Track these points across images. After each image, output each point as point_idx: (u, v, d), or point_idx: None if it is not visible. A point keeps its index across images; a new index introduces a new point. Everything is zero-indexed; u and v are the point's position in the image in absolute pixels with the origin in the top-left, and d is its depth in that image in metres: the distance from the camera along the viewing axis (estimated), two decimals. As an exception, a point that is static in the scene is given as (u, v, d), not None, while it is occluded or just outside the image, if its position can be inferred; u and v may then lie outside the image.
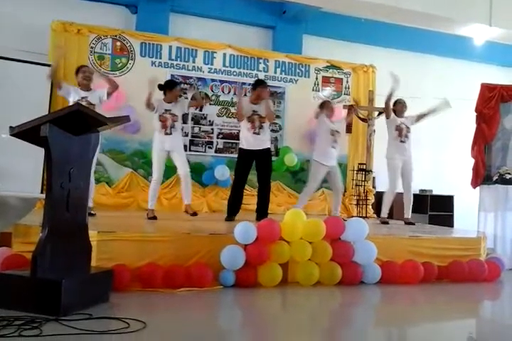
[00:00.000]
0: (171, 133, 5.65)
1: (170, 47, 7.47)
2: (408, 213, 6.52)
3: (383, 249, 4.58)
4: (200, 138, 7.57)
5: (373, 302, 4.22)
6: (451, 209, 8.32)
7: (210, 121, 7.63)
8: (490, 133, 6.60)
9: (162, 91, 5.73)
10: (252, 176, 5.98)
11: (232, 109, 7.65)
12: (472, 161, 6.67)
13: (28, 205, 6.07)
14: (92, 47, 7.05)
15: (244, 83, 7.77)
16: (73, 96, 5.41)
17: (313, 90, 8.22)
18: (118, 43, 7.21)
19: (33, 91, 6.33)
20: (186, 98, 7.29)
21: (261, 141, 5.69)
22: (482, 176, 6.55)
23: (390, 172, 6.51)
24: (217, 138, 7.64)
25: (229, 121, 7.63)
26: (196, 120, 7.55)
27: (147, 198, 5.79)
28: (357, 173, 7.91)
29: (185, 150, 7.15)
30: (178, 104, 5.75)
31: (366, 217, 7.48)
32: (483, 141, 6.62)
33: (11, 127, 3.11)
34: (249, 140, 5.68)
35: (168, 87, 5.72)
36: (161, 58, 7.42)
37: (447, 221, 8.00)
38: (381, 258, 4.56)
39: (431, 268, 4.65)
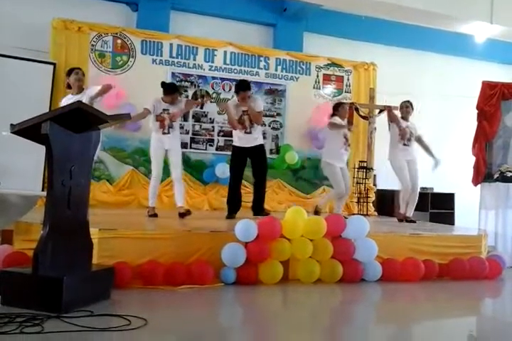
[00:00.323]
0: (168, 133, 5.63)
1: (171, 44, 7.46)
2: (411, 211, 6.51)
3: (384, 247, 4.58)
4: (201, 135, 7.57)
5: (374, 300, 4.23)
6: (452, 207, 8.31)
7: (210, 118, 7.63)
8: (491, 131, 6.60)
9: (162, 90, 5.71)
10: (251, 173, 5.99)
11: (233, 107, 7.63)
12: (473, 159, 6.68)
13: (29, 203, 6.08)
14: (92, 45, 7.04)
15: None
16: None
17: (314, 88, 8.20)
18: (119, 41, 7.20)
19: (33, 89, 6.34)
20: (187, 97, 7.30)
21: (253, 139, 5.70)
22: (483, 174, 6.55)
23: (397, 171, 6.44)
24: (218, 135, 7.63)
25: (230, 119, 7.63)
26: (197, 118, 7.55)
27: (148, 196, 5.79)
28: (358, 171, 7.90)
29: (186, 147, 7.22)
30: (176, 104, 5.73)
31: (367, 214, 7.47)
32: (484, 139, 6.62)
33: (11, 125, 3.11)
34: (242, 138, 5.70)
35: (169, 91, 5.68)
36: (161, 56, 7.41)
37: (448, 219, 7.99)
38: (382, 256, 4.57)
39: (432, 265, 4.65)
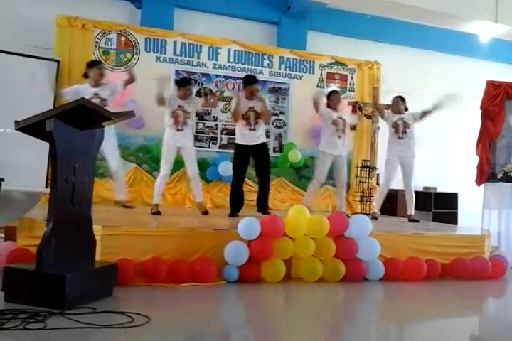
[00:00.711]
0: (182, 130, 5.65)
1: (174, 42, 7.46)
2: (411, 210, 6.51)
3: (387, 246, 4.58)
4: (205, 133, 7.57)
5: (376, 299, 4.23)
6: (455, 207, 8.29)
7: (214, 116, 7.63)
8: (495, 131, 6.59)
9: (176, 87, 5.77)
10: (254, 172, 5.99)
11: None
12: (477, 159, 6.66)
13: (32, 199, 6.10)
14: (96, 42, 7.05)
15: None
16: (82, 94, 5.34)
17: (317, 86, 8.19)
18: (123, 38, 7.20)
19: (38, 86, 6.34)
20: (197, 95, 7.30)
21: (256, 137, 5.69)
22: (487, 174, 6.54)
23: (385, 168, 6.56)
24: (222, 133, 7.63)
25: (233, 117, 7.62)
26: (200, 116, 7.54)
27: (151, 193, 5.79)
28: (361, 170, 7.89)
29: (190, 145, 7.20)
30: (191, 101, 5.75)
31: (370, 213, 7.46)
32: (488, 139, 6.60)
33: (16, 121, 3.12)
34: (245, 136, 5.69)
35: (182, 84, 5.75)
36: (165, 53, 7.41)
37: (451, 218, 7.98)
38: (384, 255, 4.57)
39: (434, 265, 4.65)
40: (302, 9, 7.94)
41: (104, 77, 5.69)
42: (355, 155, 8.24)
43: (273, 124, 7.91)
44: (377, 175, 8.20)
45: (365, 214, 6.65)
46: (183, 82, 5.85)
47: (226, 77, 7.71)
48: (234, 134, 7.50)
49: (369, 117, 7.97)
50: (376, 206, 6.63)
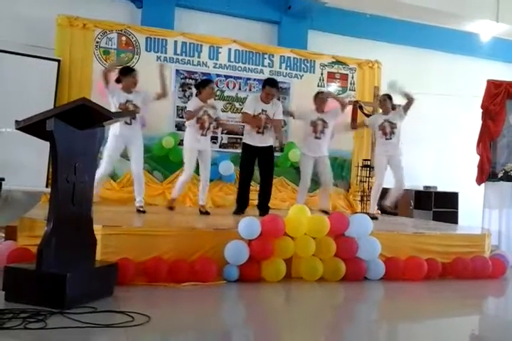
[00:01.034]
0: (206, 135, 5.69)
1: (175, 42, 7.46)
2: (390, 201, 6.41)
3: (387, 245, 4.59)
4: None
5: (377, 299, 4.23)
6: (456, 206, 8.29)
7: (215, 116, 7.61)
8: (495, 130, 6.59)
9: (197, 90, 5.77)
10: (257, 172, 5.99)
11: (237, 104, 7.65)
12: (477, 158, 6.66)
13: (33, 199, 6.10)
14: (97, 42, 7.04)
15: (249, 78, 7.78)
16: (117, 97, 5.39)
17: (318, 86, 8.17)
18: (123, 38, 7.20)
19: (38, 86, 6.34)
20: (190, 94, 7.29)
21: (264, 139, 5.72)
22: (487, 173, 6.54)
23: (375, 166, 6.57)
24: (222, 133, 7.62)
25: (234, 117, 7.61)
26: (201, 115, 7.53)
27: (151, 193, 5.81)
28: (361, 169, 7.89)
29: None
30: (209, 103, 5.75)
31: (368, 213, 7.46)
32: (488, 138, 6.60)
33: (16, 121, 3.12)
34: (254, 137, 5.72)
35: (202, 85, 5.74)
36: (166, 53, 7.40)
37: (451, 217, 7.98)
38: (385, 255, 4.57)
39: (435, 264, 4.65)
40: (303, 8, 7.94)
41: (136, 85, 5.58)
42: (356, 154, 8.24)
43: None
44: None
45: (366, 213, 6.64)
46: (205, 83, 5.82)
47: (227, 77, 7.71)
48: (234, 134, 7.53)
49: (369, 116, 7.95)
50: (373, 206, 6.56)
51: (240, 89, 7.71)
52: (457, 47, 9.13)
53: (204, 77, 7.54)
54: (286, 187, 7.85)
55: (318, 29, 8.37)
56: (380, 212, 6.93)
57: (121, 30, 7.18)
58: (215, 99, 7.48)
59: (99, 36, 7.06)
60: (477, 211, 6.75)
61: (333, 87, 8.29)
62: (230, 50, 7.74)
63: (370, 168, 7.89)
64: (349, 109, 7.85)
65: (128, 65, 7.11)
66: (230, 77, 7.71)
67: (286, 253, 4.22)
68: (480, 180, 6.60)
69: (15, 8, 6.77)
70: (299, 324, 3.11)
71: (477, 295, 4.40)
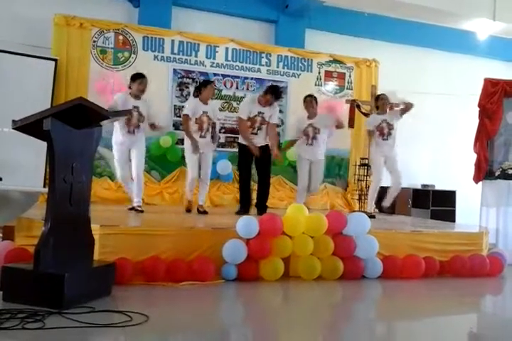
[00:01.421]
0: (205, 137, 5.67)
1: (172, 41, 7.45)
2: (388, 201, 6.46)
3: (385, 244, 4.59)
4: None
5: (375, 297, 4.24)
6: (453, 204, 8.30)
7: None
8: (493, 129, 6.59)
9: (196, 91, 5.79)
10: (254, 171, 5.99)
11: (235, 104, 7.64)
12: (474, 156, 6.67)
13: (30, 199, 6.10)
14: (94, 41, 7.03)
15: (246, 77, 7.78)
16: (122, 104, 5.35)
17: (315, 85, 8.19)
18: (120, 37, 7.19)
19: (35, 85, 6.33)
20: (188, 93, 7.29)
21: (259, 140, 5.73)
22: (484, 171, 6.55)
23: (372, 166, 6.60)
24: (220, 132, 7.60)
25: (231, 116, 7.62)
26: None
27: (149, 192, 5.82)
28: (359, 168, 7.89)
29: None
30: (211, 106, 5.77)
31: (365, 211, 7.47)
32: (485, 136, 6.61)
33: (13, 121, 3.11)
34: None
35: (203, 85, 5.74)
36: (163, 52, 7.40)
37: (449, 216, 7.99)
38: (383, 253, 4.57)
39: (432, 262, 4.66)
40: (300, 7, 7.94)
41: (144, 92, 5.57)
42: (353, 153, 8.25)
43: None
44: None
45: (364, 212, 6.65)
46: (206, 83, 5.85)
47: (224, 76, 7.70)
48: (232, 133, 7.52)
49: (367, 115, 7.96)
50: (370, 204, 6.58)
51: (237, 88, 7.71)
52: (454, 46, 9.14)
53: (201, 76, 7.55)
54: (284, 186, 7.86)
55: (315, 28, 8.37)
56: (377, 210, 6.94)
57: (118, 30, 7.17)
58: (212, 99, 7.49)
59: (96, 35, 7.06)
60: (475, 209, 6.75)
61: (331, 86, 8.30)
62: (227, 49, 7.74)
63: (368, 166, 7.89)
64: (346, 107, 7.89)
65: (124, 64, 7.12)
66: (228, 76, 7.71)
67: (284, 252, 4.22)
68: (477, 179, 6.61)
69: (12, 7, 6.75)
70: (297, 323, 3.11)
71: (475, 293, 4.41)
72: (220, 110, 7.60)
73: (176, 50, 7.47)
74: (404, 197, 6.61)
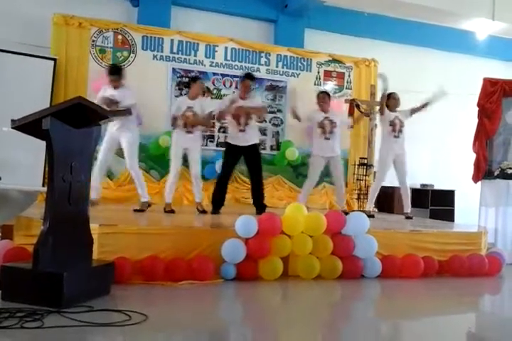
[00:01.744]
0: (192, 132, 5.65)
1: (171, 40, 7.44)
2: (408, 207, 6.50)
3: (384, 243, 4.59)
4: (202, 131, 7.55)
5: (373, 296, 4.24)
6: (452, 204, 8.31)
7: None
8: (492, 128, 6.59)
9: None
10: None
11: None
12: (473, 156, 6.67)
13: (29, 198, 6.10)
14: (93, 41, 7.03)
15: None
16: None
17: (314, 84, 8.19)
18: (119, 37, 7.19)
19: (34, 85, 6.33)
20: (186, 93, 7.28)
21: (248, 138, 5.71)
22: (483, 171, 6.55)
23: (380, 166, 6.55)
24: (219, 131, 7.62)
25: (230, 115, 7.61)
26: (198, 114, 7.53)
27: (148, 191, 5.82)
28: (358, 168, 7.89)
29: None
30: (199, 102, 5.73)
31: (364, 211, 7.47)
32: (484, 136, 6.61)
33: (12, 120, 3.11)
34: (236, 137, 5.71)
35: (193, 81, 5.77)
36: (162, 52, 7.39)
37: (448, 215, 8.00)
38: (382, 253, 4.58)
39: (431, 262, 4.66)
40: (299, 7, 7.93)
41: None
42: (352, 152, 8.25)
43: (270, 122, 7.92)
44: (374, 172, 8.21)
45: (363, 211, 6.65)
46: (194, 78, 5.89)
47: (223, 75, 7.70)
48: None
49: (366, 115, 7.97)
50: (370, 203, 6.60)
51: (236, 87, 7.69)
52: (454, 46, 9.14)
53: (201, 76, 7.54)
54: (283, 186, 7.86)
55: (314, 27, 8.37)
56: (376, 209, 6.94)
57: (117, 29, 7.16)
58: (211, 98, 7.50)
59: (95, 35, 7.05)
60: (473, 209, 6.75)
61: (330, 86, 8.30)
62: (226, 48, 7.73)
63: (367, 166, 7.90)
64: (345, 107, 7.90)
65: (123, 64, 7.12)
66: (227, 75, 7.71)
67: (283, 251, 4.22)
68: (476, 178, 6.61)
69: (11, 6, 6.74)
70: (296, 322, 3.11)
71: (473, 292, 4.41)
72: (219, 109, 7.60)
73: (175, 50, 7.46)
74: (399, 196, 6.62)
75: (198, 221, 5.13)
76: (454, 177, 8.31)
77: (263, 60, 7.94)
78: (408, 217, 6.40)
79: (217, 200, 5.75)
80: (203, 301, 3.55)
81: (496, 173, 6.50)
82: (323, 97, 6.34)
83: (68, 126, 3.19)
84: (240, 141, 5.68)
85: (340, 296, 4.17)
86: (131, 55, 7.23)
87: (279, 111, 7.99)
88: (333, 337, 3.01)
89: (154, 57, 7.35)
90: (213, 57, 7.67)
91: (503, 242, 6.17)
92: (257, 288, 3.99)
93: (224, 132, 7.57)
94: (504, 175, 6.43)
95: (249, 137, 5.71)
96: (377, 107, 7.84)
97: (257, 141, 5.82)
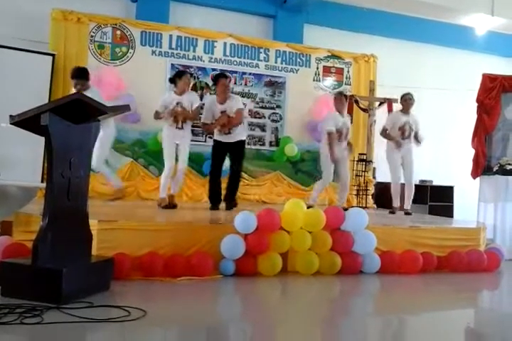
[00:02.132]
0: (182, 128, 5.63)
1: (170, 36, 7.43)
2: (408, 204, 6.52)
3: (383, 239, 4.60)
4: (200, 128, 7.54)
5: (372, 292, 4.25)
6: (451, 200, 8.32)
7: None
8: (491, 124, 6.59)
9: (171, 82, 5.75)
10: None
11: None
12: (472, 152, 6.67)
13: (28, 194, 6.08)
14: (92, 36, 7.01)
15: (244, 73, 7.77)
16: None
17: (313, 80, 8.18)
18: (118, 32, 7.17)
19: (33, 80, 6.32)
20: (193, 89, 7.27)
21: (233, 135, 5.70)
22: (482, 167, 6.55)
23: (390, 164, 6.55)
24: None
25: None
26: (196, 110, 7.51)
27: (147, 187, 5.80)
28: (357, 163, 7.90)
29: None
30: (188, 96, 5.69)
31: (366, 207, 7.49)
32: (483, 132, 6.61)
33: (11, 116, 3.11)
34: (222, 136, 5.71)
35: (178, 76, 5.69)
36: (161, 47, 7.38)
37: (447, 211, 8.01)
38: (381, 248, 4.58)
39: (430, 258, 4.67)
40: (298, 2, 7.91)
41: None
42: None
43: (269, 118, 7.91)
44: (374, 168, 8.22)
45: (362, 207, 6.66)
46: (177, 75, 5.77)
47: (222, 71, 7.68)
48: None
49: (365, 111, 7.97)
50: (403, 202, 6.59)
51: (235, 83, 7.69)
52: (453, 41, 9.13)
53: (199, 71, 7.54)
54: (282, 182, 7.86)
55: (313, 23, 8.35)
56: (375, 206, 6.94)
57: (115, 24, 7.15)
58: (210, 94, 7.48)
59: (94, 30, 7.03)
60: (472, 205, 6.77)
61: (329, 81, 8.29)
62: (225, 44, 7.72)
63: (366, 162, 7.90)
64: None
65: (122, 59, 7.10)
66: (226, 71, 7.68)
67: (282, 247, 4.22)
68: (475, 174, 6.61)
69: (9, 2, 6.73)
70: (295, 317, 3.12)
71: (472, 288, 4.42)
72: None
73: (173, 45, 7.45)
74: (402, 192, 6.64)
75: (197, 217, 5.13)
76: (453, 173, 8.33)
77: (262, 55, 7.92)
78: (407, 213, 6.42)
79: (214, 196, 5.76)
80: (202, 297, 3.55)
81: (494, 169, 6.50)
82: (340, 99, 6.31)
83: (67, 121, 3.18)
84: (227, 138, 5.70)
85: (339, 292, 4.18)
86: (130, 50, 7.22)
87: (278, 106, 7.98)
88: (332, 332, 3.02)
89: (153, 52, 7.34)
90: (212, 53, 7.65)
91: (501, 238, 6.18)
92: (256, 283, 4.00)
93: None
94: (503, 171, 6.44)
95: (236, 135, 5.71)
96: (377, 103, 7.89)
97: (243, 138, 5.81)
